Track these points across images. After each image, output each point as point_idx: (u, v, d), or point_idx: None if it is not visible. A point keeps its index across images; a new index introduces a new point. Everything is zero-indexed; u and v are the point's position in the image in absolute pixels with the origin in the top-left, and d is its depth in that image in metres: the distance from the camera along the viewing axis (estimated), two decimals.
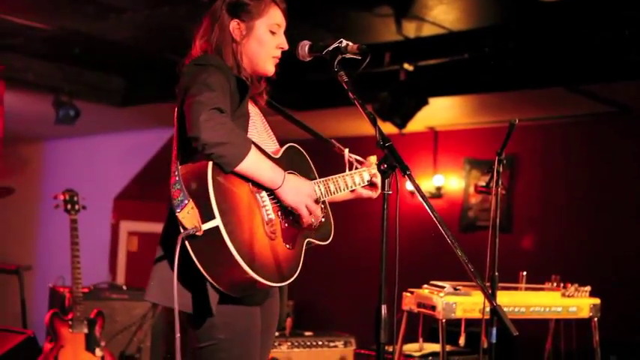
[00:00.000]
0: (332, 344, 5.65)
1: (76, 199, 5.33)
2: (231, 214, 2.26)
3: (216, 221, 2.21)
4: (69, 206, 5.30)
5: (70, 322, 5.06)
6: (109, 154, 9.61)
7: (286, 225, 2.46)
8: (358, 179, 2.80)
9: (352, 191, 2.84)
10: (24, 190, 8.60)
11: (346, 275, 8.37)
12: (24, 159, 10.54)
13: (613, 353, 5.89)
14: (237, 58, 2.56)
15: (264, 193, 2.40)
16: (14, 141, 9.77)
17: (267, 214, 2.38)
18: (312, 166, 2.69)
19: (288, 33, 2.67)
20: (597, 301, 4.60)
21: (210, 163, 2.26)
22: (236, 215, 2.28)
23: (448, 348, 4.45)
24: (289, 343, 5.47)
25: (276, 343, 5.42)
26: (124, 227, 9.55)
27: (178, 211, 2.26)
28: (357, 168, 2.85)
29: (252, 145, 2.33)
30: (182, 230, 2.24)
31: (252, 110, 2.61)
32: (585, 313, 4.58)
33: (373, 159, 2.87)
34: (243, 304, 2.43)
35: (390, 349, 4.28)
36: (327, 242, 2.63)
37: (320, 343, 5.61)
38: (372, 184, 2.86)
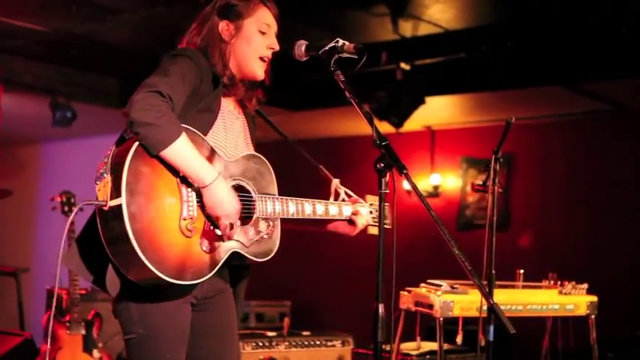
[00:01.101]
0: (330, 344, 5.65)
1: (73, 200, 5.33)
2: (141, 197, 2.22)
3: (121, 200, 2.18)
4: (66, 208, 5.30)
5: (67, 324, 5.05)
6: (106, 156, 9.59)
7: (210, 227, 2.37)
8: (335, 211, 2.70)
9: (328, 223, 2.76)
10: (21, 193, 8.59)
11: (343, 274, 8.36)
12: (21, 161, 10.53)
13: (610, 350, 5.90)
14: (223, 58, 2.55)
15: (191, 189, 2.34)
16: (11, 143, 9.75)
17: (189, 210, 2.31)
18: (273, 180, 2.59)
19: (284, 33, 2.66)
20: (594, 298, 4.61)
21: (136, 144, 2.24)
22: (146, 200, 2.23)
23: (446, 346, 4.46)
24: (287, 343, 5.47)
25: (273, 343, 5.43)
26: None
27: (97, 183, 2.28)
28: (343, 200, 2.74)
29: (184, 135, 2.27)
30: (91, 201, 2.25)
31: (232, 113, 2.60)
32: (582, 311, 4.58)
33: (370, 198, 2.78)
34: (163, 300, 2.38)
35: (388, 347, 4.28)
36: (262, 260, 2.51)
37: (318, 342, 5.60)
38: (351, 222, 2.75)
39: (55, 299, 2.88)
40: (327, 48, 2.51)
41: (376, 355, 2.27)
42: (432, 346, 4.75)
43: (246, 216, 2.47)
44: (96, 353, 5.08)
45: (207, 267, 2.35)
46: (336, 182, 2.74)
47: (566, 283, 4.58)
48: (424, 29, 5.95)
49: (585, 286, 4.62)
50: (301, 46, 2.59)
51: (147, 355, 2.42)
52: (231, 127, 2.57)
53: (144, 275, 2.25)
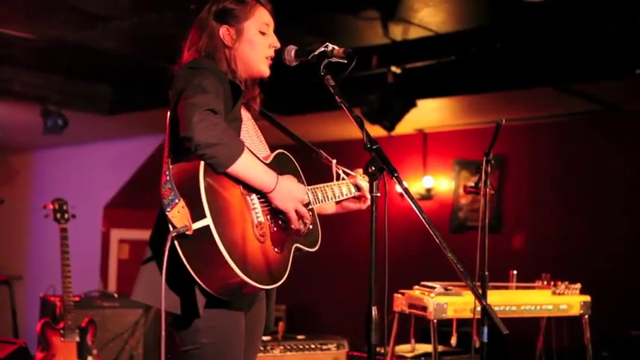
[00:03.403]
0: (325, 347, 5.65)
1: (65, 208, 5.33)
2: (222, 214, 2.26)
3: (207, 220, 2.20)
4: (58, 215, 5.29)
5: (61, 331, 5.05)
6: (98, 163, 9.59)
7: (275, 229, 2.45)
8: (346, 190, 2.82)
9: (338, 204, 2.86)
10: (14, 201, 8.58)
11: (338, 278, 8.37)
12: (13, 169, 10.52)
13: (605, 350, 5.92)
14: (230, 64, 2.57)
15: (254, 196, 2.40)
16: (3, 151, 9.76)
17: (257, 217, 2.38)
18: (301, 173, 2.69)
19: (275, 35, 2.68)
20: (587, 298, 4.63)
21: (202, 163, 2.25)
22: (226, 216, 2.28)
23: (440, 348, 4.47)
24: (282, 347, 5.47)
25: (268, 347, 5.43)
26: (114, 235, 9.53)
27: (169, 210, 2.24)
28: (343, 179, 2.85)
29: (246, 148, 2.33)
30: (172, 229, 2.23)
31: (245, 115, 2.62)
32: (576, 311, 4.60)
33: (360, 171, 2.88)
34: (228, 309, 2.42)
35: (382, 350, 4.29)
36: (314, 249, 2.62)
37: (313, 346, 5.61)
38: (358, 198, 2.87)
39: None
40: (316, 53, 2.52)
41: (370, 357, 2.27)
42: (427, 348, 4.76)
43: None
44: None
45: (283, 266, 2.44)
46: (334, 162, 2.84)
47: (560, 283, 4.60)
48: (414, 33, 5.97)
49: (578, 286, 4.63)
50: (291, 52, 2.61)
51: None
52: (251, 131, 2.62)
53: (232, 287, 2.30)
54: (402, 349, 4.94)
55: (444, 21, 5.81)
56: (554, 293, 4.57)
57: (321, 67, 2.50)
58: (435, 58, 6.25)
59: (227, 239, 2.23)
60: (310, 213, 2.60)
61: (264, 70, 2.64)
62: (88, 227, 8.62)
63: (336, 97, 2.44)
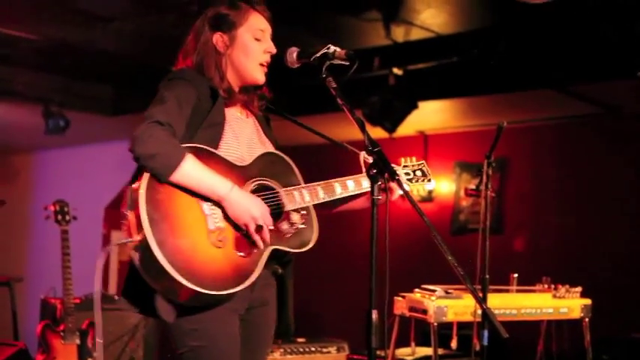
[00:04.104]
0: (325, 350, 5.64)
1: (66, 209, 5.32)
2: (164, 223, 2.28)
3: (145, 231, 2.23)
4: (59, 217, 5.29)
5: (61, 334, 5.04)
6: (99, 164, 9.58)
7: (241, 233, 2.42)
8: (367, 182, 2.70)
9: (365, 197, 2.78)
10: (15, 202, 8.56)
11: (338, 280, 8.36)
12: (15, 170, 10.51)
13: (605, 353, 5.90)
14: (220, 70, 2.57)
15: (212, 202, 2.38)
16: (4, 152, 9.76)
17: (215, 223, 2.36)
18: (294, 171, 2.64)
19: (276, 39, 2.67)
20: (588, 301, 4.62)
21: (147, 175, 2.29)
22: (169, 225, 2.29)
23: (440, 352, 4.46)
24: (282, 350, 5.46)
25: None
26: (115, 237, 9.52)
27: (123, 222, 2.33)
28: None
29: (189, 157, 2.32)
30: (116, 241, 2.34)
31: (239, 118, 2.61)
32: (576, 314, 4.60)
33: (404, 160, 2.90)
34: (216, 311, 2.40)
35: (383, 353, 4.28)
36: (303, 250, 2.56)
37: (313, 349, 5.60)
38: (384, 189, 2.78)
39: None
40: (318, 55, 2.52)
41: None
42: (427, 351, 4.76)
43: (278, 212, 2.51)
44: None
45: (248, 271, 2.40)
46: (363, 154, 2.74)
47: (560, 286, 4.60)
48: (416, 34, 5.96)
49: (579, 289, 4.63)
50: (293, 53, 2.60)
51: None
52: (242, 133, 2.59)
53: (188, 294, 2.29)
54: (403, 352, 4.93)
55: (445, 22, 5.80)
56: (554, 296, 4.57)
57: (323, 69, 2.50)
58: (437, 60, 6.25)
59: (167, 248, 2.25)
60: (304, 212, 2.56)
61: (259, 78, 2.63)
62: (89, 229, 8.60)
63: (338, 100, 2.44)
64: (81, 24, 5.75)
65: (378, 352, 2.32)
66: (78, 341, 5.07)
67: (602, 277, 6.56)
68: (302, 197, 2.57)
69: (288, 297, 2.70)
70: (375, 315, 2.24)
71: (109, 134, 8.92)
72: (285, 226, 2.51)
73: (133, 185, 2.34)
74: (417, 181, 2.91)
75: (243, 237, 2.41)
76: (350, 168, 2.82)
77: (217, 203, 2.38)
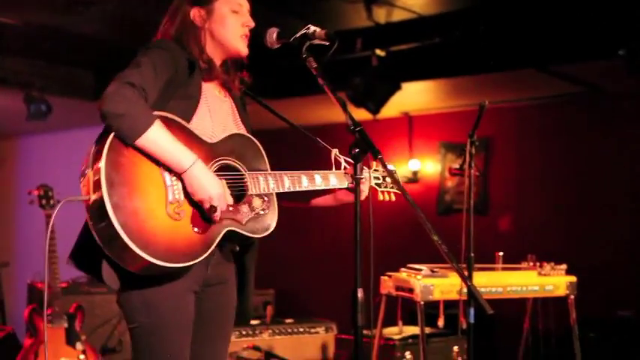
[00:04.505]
0: (313, 330, 5.67)
1: (50, 194, 5.31)
2: (122, 187, 2.23)
3: (102, 192, 2.19)
4: (44, 201, 5.27)
5: (49, 317, 5.04)
6: (83, 149, 9.53)
7: (198, 210, 2.38)
8: (335, 180, 2.69)
9: (331, 196, 2.77)
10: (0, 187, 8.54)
11: (325, 261, 8.39)
12: None
13: (591, 331, 5.96)
14: (199, 43, 2.56)
15: (175, 173, 2.35)
16: None
17: (175, 194, 2.33)
18: (263, 155, 2.60)
19: (256, 20, 2.66)
20: (573, 278, 4.66)
21: (111, 136, 2.26)
22: (128, 189, 2.25)
23: (427, 330, 4.49)
24: (270, 331, 5.49)
25: (257, 331, 5.44)
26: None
27: (80, 180, 2.30)
28: (345, 169, 2.71)
29: (158, 123, 2.28)
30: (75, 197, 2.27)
31: (216, 97, 2.60)
32: (562, 291, 4.63)
33: (374, 164, 2.79)
34: (166, 287, 2.38)
35: (370, 332, 4.31)
36: (261, 236, 2.53)
37: (301, 329, 5.63)
38: (353, 190, 2.68)
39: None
40: (298, 35, 2.51)
41: (357, 339, 2.28)
42: (414, 330, 4.79)
43: (240, 194, 2.49)
44: (79, 346, 5.07)
45: (201, 247, 2.36)
46: (335, 152, 2.72)
47: (545, 264, 4.63)
48: (398, 15, 5.95)
49: (564, 266, 4.66)
50: (273, 34, 2.59)
51: (151, 344, 2.42)
52: (217, 112, 2.57)
53: (138, 263, 2.25)
54: (390, 331, 4.97)
55: (426, 3, 5.80)
56: (540, 274, 4.60)
57: (303, 49, 2.49)
58: (420, 41, 6.24)
59: (122, 211, 2.21)
60: (266, 199, 2.54)
61: (241, 48, 2.61)
62: (74, 213, 8.59)
63: (319, 79, 2.44)
64: (61, 8, 5.71)
65: (365, 332, 2.33)
66: (66, 325, 5.07)
67: (588, 254, 6.61)
68: (267, 183, 2.54)
69: (247, 280, 2.67)
70: (360, 293, 2.25)
71: (92, 119, 8.86)
72: (245, 209, 2.48)
73: (96, 145, 2.30)
74: (385, 187, 2.85)
75: (200, 213, 2.38)
76: (326, 155, 2.76)
77: (178, 175, 2.34)
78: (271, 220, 2.55)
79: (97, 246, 2.27)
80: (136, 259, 2.23)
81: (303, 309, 7.56)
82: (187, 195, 2.35)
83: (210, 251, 2.38)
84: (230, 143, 2.52)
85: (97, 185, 2.21)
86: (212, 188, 2.34)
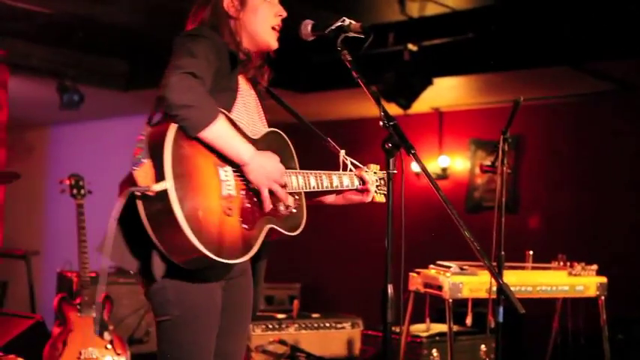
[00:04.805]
0: (339, 326, 5.66)
1: (81, 183, 5.33)
2: (185, 179, 2.21)
3: (167, 183, 2.16)
4: (75, 191, 5.30)
5: (78, 307, 5.08)
6: (114, 139, 9.60)
7: (248, 205, 2.38)
8: (347, 181, 2.73)
9: (339, 195, 2.78)
10: (30, 176, 8.62)
11: (353, 256, 8.37)
12: (30, 144, 10.55)
13: (620, 332, 5.89)
14: (234, 35, 2.54)
15: (228, 168, 2.34)
16: (20, 126, 9.77)
17: (228, 189, 2.32)
18: (294, 154, 2.62)
19: (290, 15, 2.65)
20: (604, 279, 4.60)
21: (174, 126, 2.21)
22: (190, 182, 2.23)
23: (455, 328, 4.46)
24: (297, 325, 5.49)
25: (283, 325, 5.44)
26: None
27: (135, 168, 2.24)
28: (350, 171, 2.76)
29: (222, 116, 2.28)
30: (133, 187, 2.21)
31: (246, 90, 2.59)
32: (592, 292, 4.58)
33: (373, 167, 2.82)
34: (199, 280, 2.37)
35: (397, 329, 4.29)
36: (294, 234, 2.53)
37: (327, 324, 5.62)
38: (361, 191, 2.78)
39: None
40: (333, 27, 2.49)
41: (385, 336, 2.26)
42: (442, 327, 4.76)
43: None
44: (107, 335, 5.10)
45: (249, 244, 2.36)
46: (342, 154, 2.75)
47: (576, 264, 4.58)
48: (431, 9, 5.91)
49: (595, 267, 4.61)
50: (307, 26, 2.57)
51: (181, 338, 2.40)
52: (249, 105, 2.57)
53: (192, 256, 2.23)
54: (417, 328, 4.94)
55: None
56: (570, 274, 4.55)
57: (338, 41, 2.47)
58: (452, 36, 6.20)
59: (186, 205, 2.18)
60: (296, 197, 2.55)
61: (271, 42, 2.60)
62: (104, 203, 8.64)
63: (353, 73, 2.41)
64: None
65: (392, 328, 2.31)
66: (94, 314, 5.10)
67: (619, 255, 6.53)
68: (297, 182, 2.55)
69: (259, 275, 2.66)
70: (390, 289, 2.23)
71: (123, 109, 8.93)
72: (281, 207, 2.49)
73: (153, 132, 2.26)
74: (380, 189, 2.86)
75: (252, 209, 2.39)
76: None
77: (235, 171, 2.35)
78: (302, 218, 2.57)
79: (133, 237, 2.26)
80: (192, 252, 2.21)
81: (329, 303, 7.56)
82: (242, 191, 2.36)
83: (256, 248, 2.38)
84: (268, 140, 2.53)
85: (161, 176, 2.18)
86: (276, 169, 2.39)
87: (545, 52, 6.14)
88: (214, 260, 2.23)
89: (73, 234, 5.28)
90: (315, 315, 5.67)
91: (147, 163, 2.22)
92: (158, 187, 2.17)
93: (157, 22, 6.28)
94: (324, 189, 2.66)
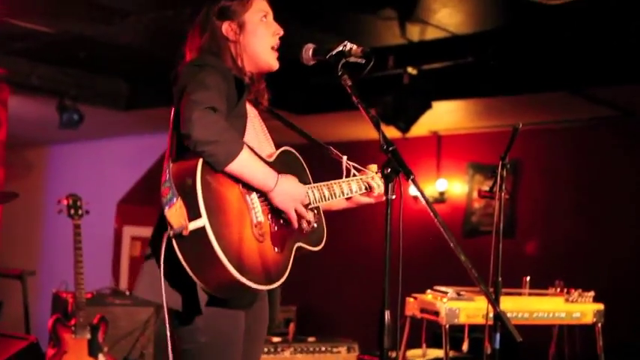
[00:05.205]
0: (335, 350, 5.63)
1: (79, 203, 5.33)
2: (219, 214, 2.23)
3: (203, 220, 2.17)
4: (72, 211, 5.29)
5: (72, 328, 5.05)
6: (113, 159, 9.61)
7: (276, 228, 2.42)
8: (355, 186, 2.77)
9: (348, 199, 2.80)
10: (28, 195, 8.60)
11: (349, 280, 8.35)
12: (28, 163, 10.55)
13: (617, 358, 5.87)
14: (236, 60, 2.56)
15: (254, 195, 2.37)
16: (19, 145, 9.77)
17: (256, 216, 2.36)
18: (307, 170, 2.67)
19: (291, 37, 2.66)
20: (601, 306, 4.58)
21: (201, 161, 2.23)
22: (224, 215, 2.25)
23: (451, 354, 4.44)
24: (292, 349, 5.46)
25: (279, 349, 5.41)
26: (126, 232, 9.52)
27: (167, 209, 2.24)
28: (354, 175, 2.80)
29: (246, 146, 2.31)
30: (169, 229, 2.22)
31: (251, 112, 2.60)
32: (589, 319, 4.56)
33: (373, 167, 2.85)
34: (227, 307, 2.39)
35: (394, 354, 4.26)
36: (319, 248, 2.58)
37: (323, 348, 5.59)
38: (368, 190, 2.82)
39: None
40: (334, 52, 2.49)
41: None
42: (438, 353, 4.74)
43: None
44: (101, 357, 5.07)
45: (283, 266, 2.41)
46: (345, 159, 2.79)
47: (573, 290, 4.56)
48: (431, 33, 5.93)
49: (592, 293, 4.59)
50: (308, 50, 2.58)
51: None
52: (257, 128, 2.60)
53: (232, 287, 2.27)
54: (414, 353, 4.92)
55: (461, 22, 5.77)
56: (567, 300, 4.54)
57: (339, 66, 2.47)
58: (452, 60, 6.22)
59: (223, 239, 2.20)
60: (315, 211, 2.59)
61: (272, 62, 2.62)
62: (101, 224, 8.62)
63: (353, 98, 2.42)
64: (97, 18, 5.76)
65: (389, 353, 2.29)
66: (89, 336, 5.08)
67: (616, 280, 6.52)
68: (314, 196, 2.58)
69: (275, 290, 2.66)
70: (387, 315, 2.22)
71: (123, 129, 8.94)
72: (304, 224, 2.52)
73: (178, 170, 2.28)
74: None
75: (280, 232, 2.43)
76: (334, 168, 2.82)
77: (260, 196, 2.37)
78: (323, 232, 2.62)
79: (180, 276, 2.26)
80: (231, 283, 2.23)
81: (325, 327, 7.52)
82: (268, 215, 2.40)
83: (290, 268, 2.42)
84: (282, 160, 2.55)
85: (195, 213, 2.18)
86: (302, 193, 2.44)
87: (543, 77, 6.15)
88: (256, 289, 2.28)
89: (69, 254, 5.27)
90: (310, 339, 5.65)
91: (178, 203, 2.22)
92: (194, 225, 2.18)
93: (157, 42, 6.30)
94: (337, 198, 2.70)
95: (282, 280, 2.39)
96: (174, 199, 2.23)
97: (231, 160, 2.26)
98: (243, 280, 2.22)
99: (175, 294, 2.35)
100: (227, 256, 2.19)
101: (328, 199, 2.64)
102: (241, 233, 2.29)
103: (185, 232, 2.19)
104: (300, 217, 2.46)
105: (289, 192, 2.41)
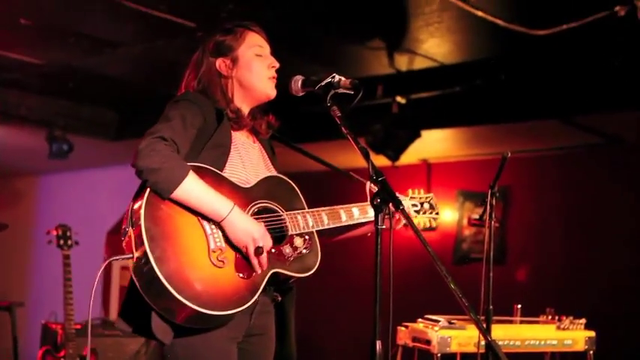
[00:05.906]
0: None
1: (68, 234, 5.31)
2: (163, 240, 2.26)
3: (144, 247, 2.22)
4: (62, 241, 5.28)
5: (62, 359, 5.01)
6: (102, 188, 9.59)
7: (241, 255, 2.39)
8: (372, 211, 2.70)
9: (369, 225, 2.74)
10: (17, 225, 8.55)
11: (340, 309, 8.32)
12: (17, 193, 10.52)
13: None
14: (226, 93, 2.59)
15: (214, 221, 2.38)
16: (8, 175, 9.76)
17: (216, 242, 2.35)
18: (299, 195, 2.64)
19: (280, 66, 2.68)
20: (592, 334, 4.58)
21: (148, 191, 2.29)
22: (169, 242, 2.28)
23: None
24: None
25: None
26: (116, 262, 9.46)
27: (122, 239, 2.32)
28: None
29: (192, 174, 2.31)
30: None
31: (248, 144, 2.62)
32: (581, 346, 4.55)
33: (411, 192, 2.89)
34: (212, 337, 2.38)
35: None
36: (305, 275, 2.54)
37: None
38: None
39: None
40: (323, 84, 2.52)
41: None
42: None
43: (280, 235, 2.50)
44: None
45: (248, 292, 2.37)
46: (368, 184, 2.69)
47: (564, 317, 4.56)
48: (420, 63, 5.98)
49: (583, 321, 4.59)
50: (297, 82, 2.60)
51: None
52: (248, 158, 2.59)
53: (186, 314, 2.26)
54: None
55: (449, 52, 5.82)
56: (558, 328, 4.53)
57: (328, 98, 2.49)
58: (440, 89, 6.26)
59: (166, 264, 2.23)
60: (307, 237, 2.56)
61: (270, 91, 2.65)
62: (91, 254, 8.58)
63: (343, 129, 2.43)
64: (86, 49, 5.78)
65: None
66: None
67: (608, 308, 6.52)
68: (306, 222, 2.56)
69: (289, 326, 2.66)
70: (379, 345, 2.21)
71: (113, 159, 8.92)
72: (287, 250, 2.50)
73: (134, 201, 2.33)
74: (424, 213, 2.90)
75: (244, 258, 2.39)
76: (355, 196, 2.80)
77: (217, 224, 2.36)
78: (315, 258, 2.57)
79: (143, 303, 2.29)
80: (183, 310, 2.24)
81: (317, 354, 7.49)
82: (229, 242, 2.37)
83: (257, 295, 2.39)
84: (265, 186, 2.54)
85: (139, 242, 2.24)
86: (254, 231, 2.37)
87: (532, 105, 6.19)
88: (208, 314, 2.25)
89: (58, 284, 5.24)
90: None
91: (130, 232, 2.29)
92: (138, 253, 2.24)
93: (147, 73, 6.33)
94: (344, 223, 2.67)
95: (245, 306, 2.35)
96: (127, 229, 2.31)
97: (173, 187, 2.28)
98: (187, 302, 2.22)
99: (146, 323, 2.35)
100: (169, 280, 2.21)
101: (328, 225, 2.62)
102: (191, 258, 2.29)
103: (131, 260, 2.26)
104: (257, 253, 2.38)
105: (242, 227, 2.36)
